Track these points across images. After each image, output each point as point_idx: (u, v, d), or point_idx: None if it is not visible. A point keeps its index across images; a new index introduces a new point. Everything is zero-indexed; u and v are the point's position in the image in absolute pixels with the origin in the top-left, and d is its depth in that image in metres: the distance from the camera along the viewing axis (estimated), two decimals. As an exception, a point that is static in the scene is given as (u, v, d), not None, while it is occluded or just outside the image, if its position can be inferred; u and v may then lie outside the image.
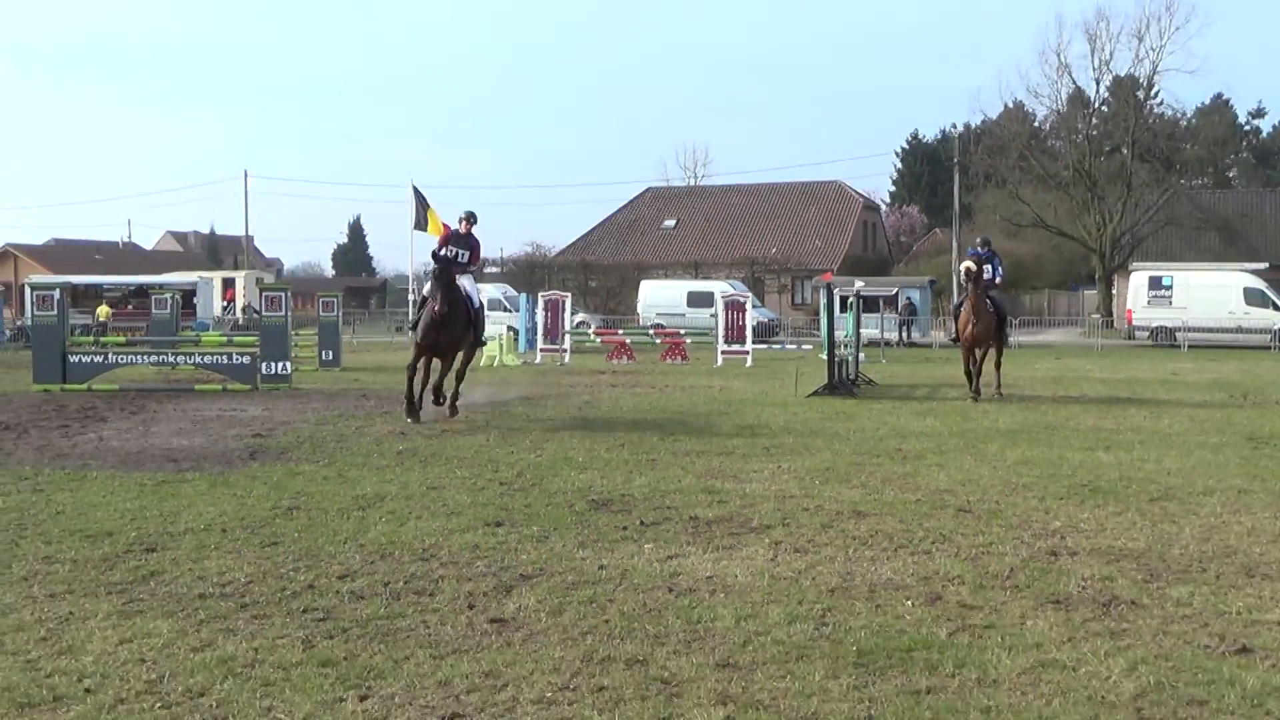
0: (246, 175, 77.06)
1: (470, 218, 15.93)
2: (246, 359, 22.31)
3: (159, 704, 4.97)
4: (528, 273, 65.13)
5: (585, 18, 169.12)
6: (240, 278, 59.59)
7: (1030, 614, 6.33)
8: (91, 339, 26.25)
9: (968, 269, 19.05)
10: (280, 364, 22.53)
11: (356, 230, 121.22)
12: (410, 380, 15.72)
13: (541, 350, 33.54)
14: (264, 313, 23.69)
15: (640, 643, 5.83)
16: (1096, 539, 8.28)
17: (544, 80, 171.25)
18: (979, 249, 19.98)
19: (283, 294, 24.04)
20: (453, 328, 15.35)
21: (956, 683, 5.24)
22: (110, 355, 23.08)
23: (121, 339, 27.23)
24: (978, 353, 19.46)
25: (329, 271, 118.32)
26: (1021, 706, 4.95)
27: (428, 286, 15.93)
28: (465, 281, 15.78)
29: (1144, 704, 4.98)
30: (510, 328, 39.32)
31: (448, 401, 16.01)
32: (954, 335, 20.73)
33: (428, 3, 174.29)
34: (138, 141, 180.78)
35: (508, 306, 47.25)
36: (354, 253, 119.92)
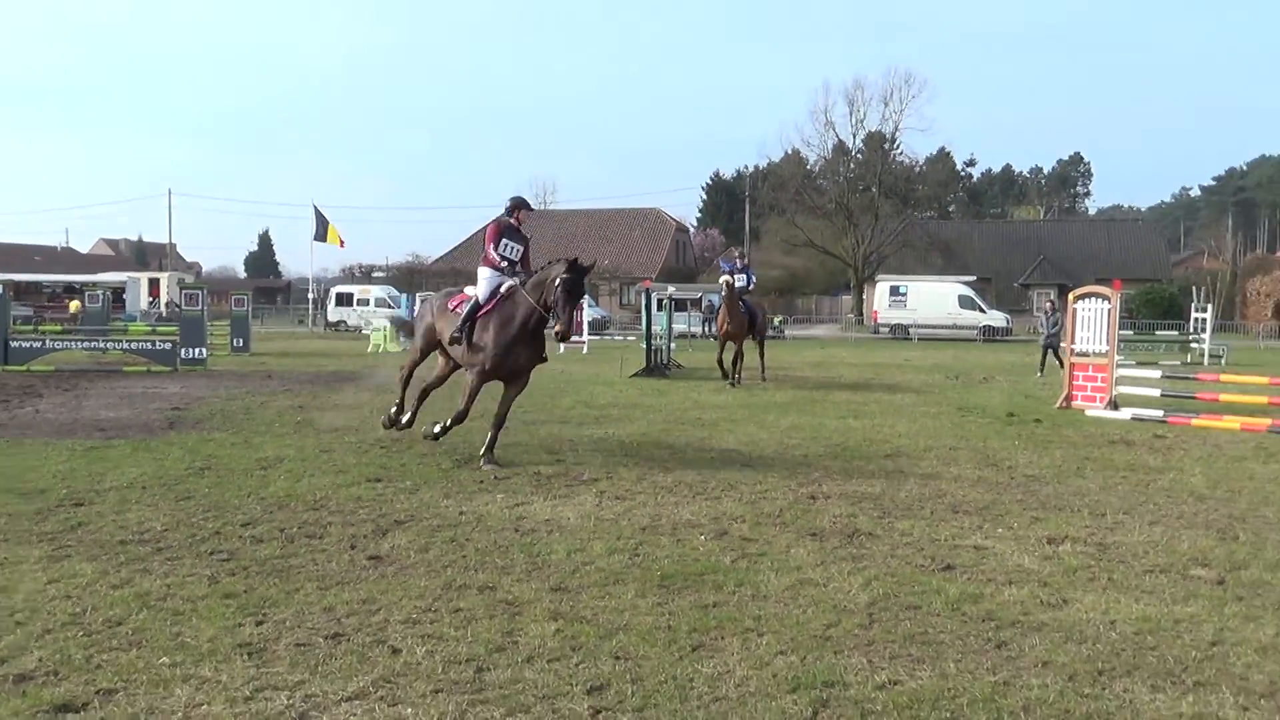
0: (170, 193, 73.51)
1: (523, 205, 10.18)
2: (168, 345, 21.22)
3: (81, 633, 4.69)
4: (408, 277, 63.75)
5: (455, 69, 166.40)
6: (164, 278, 56.54)
7: (793, 544, 6.50)
8: (61, 328, 24.63)
9: (728, 282, 18.55)
10: (197, 350, 21.53)
11: (265, 240, 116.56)
12: (404, 396, 10.90)
13: (418, 339, 32.92)
14: (184, 307, 22.59)
15: (490, 572, 5.77)
16: (845, 486, 8.55)
17: (423, 118, 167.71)
18: (735, 262, 19.82)
19: (200, 291, 23.00)
20: (540, 345, 9.80)
21: (736, 598, 5.35)
22: (47, 341, 21.68)
23: (58, 327, 25.58)
24: (733, 346, 18.62)
25: (241, 274, 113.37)
26: (784, 615, 5.08)
27: (484, 286, 9.79)
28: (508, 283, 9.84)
29: (874, 610, 5.17)
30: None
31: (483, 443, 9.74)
32: (715, 333, 20.54)
33: (323, 51, 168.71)
34: (75, 162, 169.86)
35: (392, 304, 46.26)
36: (263, 259, 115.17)
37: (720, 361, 18.74)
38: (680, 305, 40.17)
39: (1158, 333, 35.94)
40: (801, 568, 5.92)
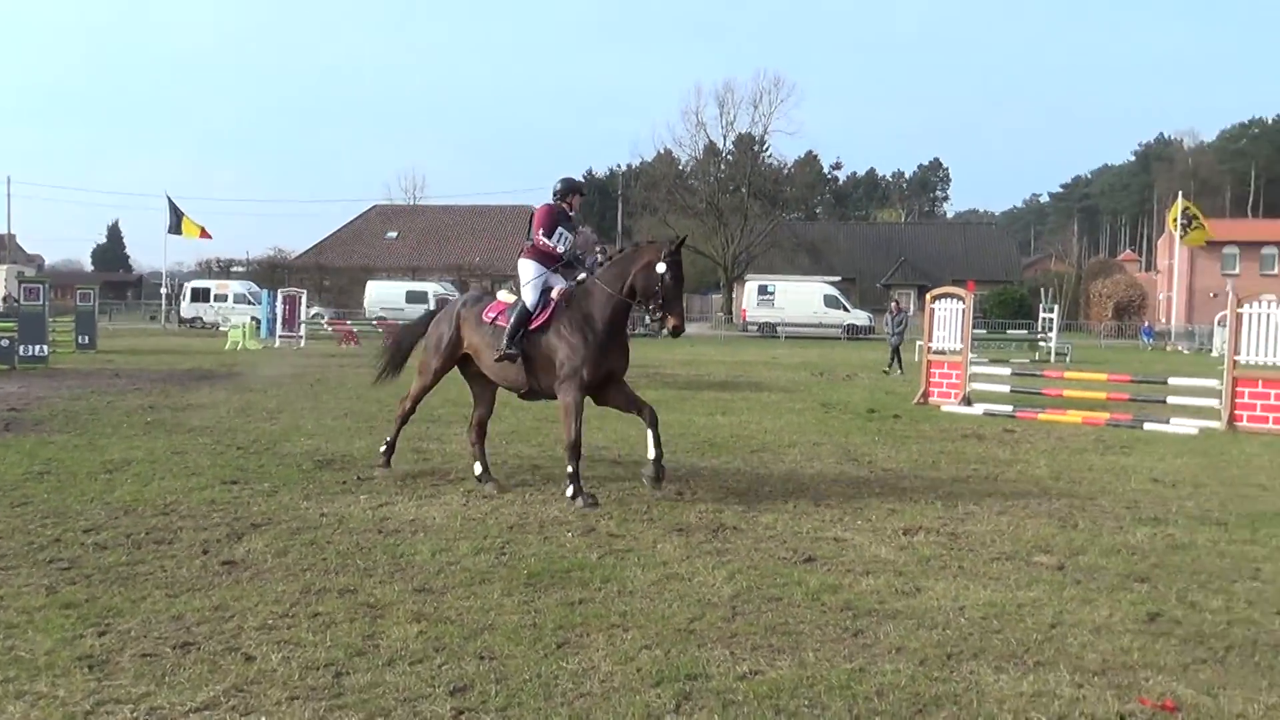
0: (9, 180, 69.41)
1: (577, 190, 8.81)
2: (5, 342, 19.99)
3: (-99, 650, 4.38)
4: (270, 272, 61.59)
5: (315, 57, 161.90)
6: (1, 271, 53.28)
7: (660, 539, 6.56)
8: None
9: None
10: (38, 347, 20.35)
11: (115, 232, 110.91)
12: (398, 434, 9.12)
13: (280, 337, 31.99)
14: (23, 301, 21.32)
15: (352, 575, 5.64)
16: (712, 481, 8.68)
17: (282, 109, 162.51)
18: (595, 256, 19.70)
19: (41, 286, 21.80)
20: (626, 345, 8.36)
21: (602, 594, 5.37)
22: None
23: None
24: None
25: (88, 267, 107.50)
26: (650, 609, 5.12)
27: (531, 290, 8.29)
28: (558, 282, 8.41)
29: (737, 602, 5.27)
30: (254, 318, 37.20)
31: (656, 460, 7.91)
32: None
33: (182, 37, 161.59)
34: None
35: (252, 300, 44.69)
36: (112, 252, 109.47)
37: None
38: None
39: (1009, 332, 37.74)
40: (667, 563, 5.98)
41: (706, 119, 66.76)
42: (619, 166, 74.87)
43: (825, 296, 48.64)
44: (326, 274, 62.18)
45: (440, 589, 5.40)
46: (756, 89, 70.03)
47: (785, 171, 71.08)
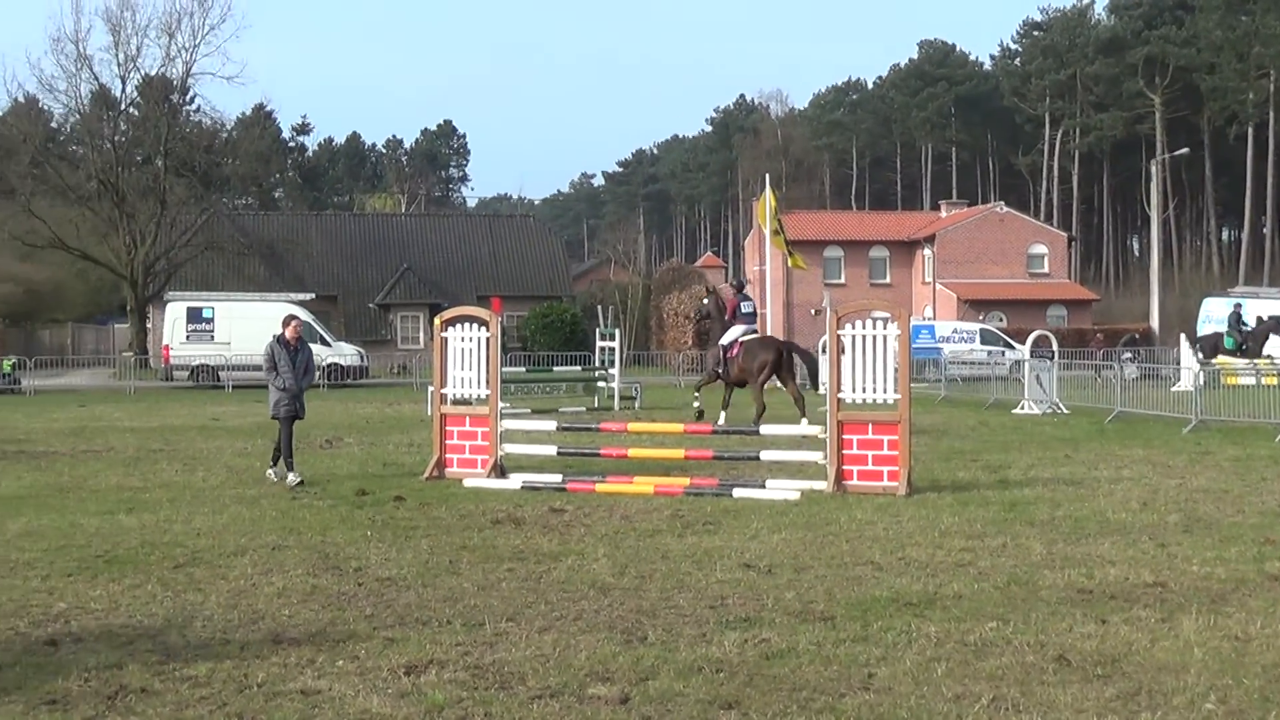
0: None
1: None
2: None
3: None
4: None
5: None
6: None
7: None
8: None
9: None
10: None
11: None
12: None
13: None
14: None
15: None
16: (108, 619, 8.23)
17: None
18: None
19: None
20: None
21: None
22: None
23: None
24: None
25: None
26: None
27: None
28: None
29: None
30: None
31: None
32: None
33: None
34: None
35: None
36: None
37: None
38: None
39: (556, 369, 39.82)
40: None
41: (93, 51, 63.97)
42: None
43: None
44: None
45: None
46: (171, 9, 68.51)
47: (224, 134, 69.94)
